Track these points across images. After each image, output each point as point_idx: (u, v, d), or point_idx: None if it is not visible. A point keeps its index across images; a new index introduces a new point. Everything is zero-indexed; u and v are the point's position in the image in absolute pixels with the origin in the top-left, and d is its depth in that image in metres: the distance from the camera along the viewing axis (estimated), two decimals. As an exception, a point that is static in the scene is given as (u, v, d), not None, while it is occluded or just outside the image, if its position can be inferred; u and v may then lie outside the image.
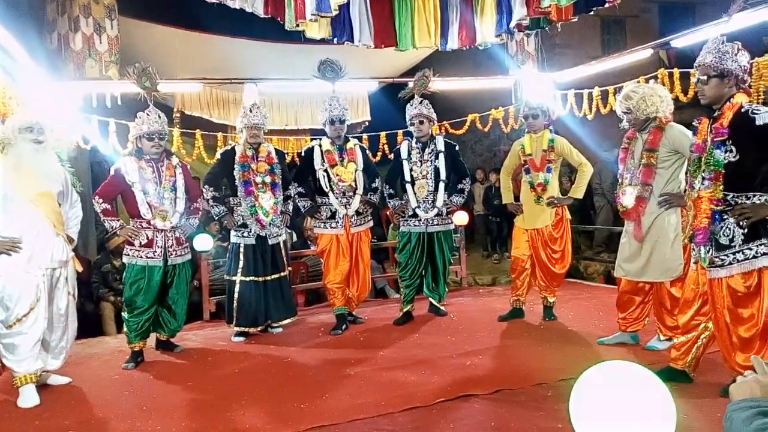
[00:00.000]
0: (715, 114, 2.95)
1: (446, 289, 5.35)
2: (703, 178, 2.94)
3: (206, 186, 4.70)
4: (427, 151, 4.94)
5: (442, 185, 4.91)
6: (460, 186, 5.04)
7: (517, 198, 4.95)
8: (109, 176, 4.26)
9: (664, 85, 5.42)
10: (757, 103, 2.92)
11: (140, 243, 4.17)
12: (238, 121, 4.80)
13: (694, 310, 3.13)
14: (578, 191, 4.67)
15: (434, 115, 4.99)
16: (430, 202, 4.92)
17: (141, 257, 4.18)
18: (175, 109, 7.79)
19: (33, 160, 3.55)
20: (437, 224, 4.99)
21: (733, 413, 1.09)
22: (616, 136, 4.52)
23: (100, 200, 4.14)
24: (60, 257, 3.65)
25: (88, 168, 7.22)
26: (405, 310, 5.04)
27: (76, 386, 3.79)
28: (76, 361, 4.24)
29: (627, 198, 3.80)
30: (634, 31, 12.03)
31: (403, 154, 5.00)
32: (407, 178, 4.97)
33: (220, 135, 7.11)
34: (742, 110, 2.81)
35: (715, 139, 2.89)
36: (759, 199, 2.80)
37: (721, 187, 2.87)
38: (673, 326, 3.69)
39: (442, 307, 5.21)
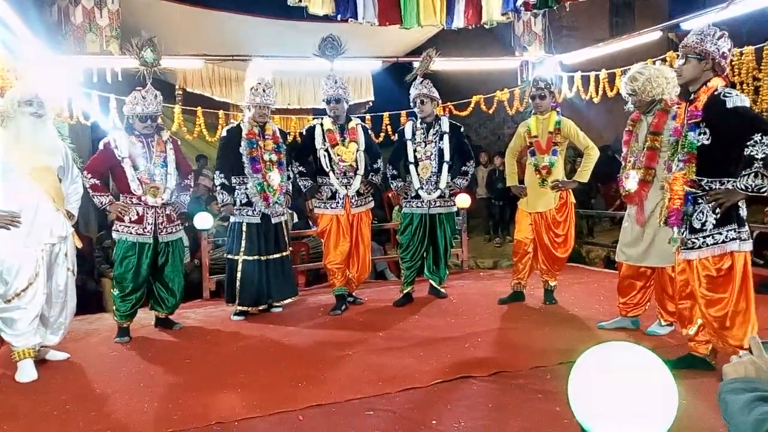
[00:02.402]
0: (691, 97, 2.97)
1: (447, 272, 5.32)
2: (679, 160, 2.98)
3: (217, 171, 4.66)
4: (431, 131, 4.88)
5: (445, 167, 4.85)
6: (464, 168, 4.99)
7: (521, 181, 4.89)
8: (97, 151, 4.20)
9: (671, 67, 5.32)
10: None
11: (130, 219, 4.14)
12: (246, 98, 4.71)
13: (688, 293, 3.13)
14: (584, 175, 4.61)
15: (436, 94, 4.91)
16: (433, 183, 4.87)
17: (131, 233, 4.15)
18: (177, 86, 7.72)
19: (32, 133, 3.52)
20: (440, 206, 4.94)
21: (727, 395, 1.06)
22: (621, 118, 4.45)
23: (89, 175, 4.08)
24: (59, 233, 3.63)
25: (89, 144, 7.18)
26: (405, 291, 5.02)
27: (75, 362, 3.79)
28: (75, 337, 4.26)
29: (630, 182, 3.75)
30: (643, 13, 11.83)
31: (407, 135, 4.94)
32: (411, 158, 4.91)
33: (221, 113, 7.06)
34: (716, 93, 2.84)
35: (689, 122, 2.92)
36: (732, 185, 2.83)
37: (695, 169, 2.90)
38: (675, 311, 3.67)
39: (443, 290, 5.19)
